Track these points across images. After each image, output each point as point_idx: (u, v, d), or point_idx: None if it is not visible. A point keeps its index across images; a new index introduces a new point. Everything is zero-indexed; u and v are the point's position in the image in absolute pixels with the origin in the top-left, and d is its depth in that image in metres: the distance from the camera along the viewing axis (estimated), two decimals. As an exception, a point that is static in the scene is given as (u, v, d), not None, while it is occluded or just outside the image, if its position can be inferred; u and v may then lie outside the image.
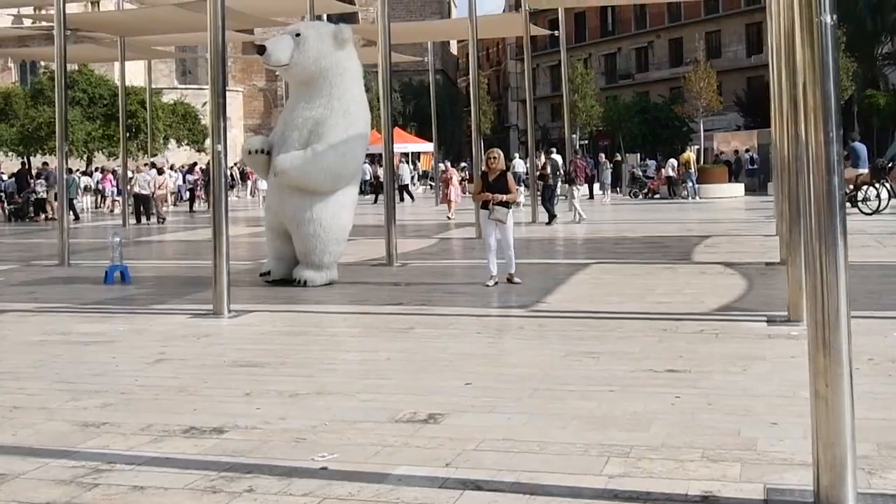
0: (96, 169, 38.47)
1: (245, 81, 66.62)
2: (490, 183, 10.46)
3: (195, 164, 36.67)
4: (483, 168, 10.56)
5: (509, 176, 10.25)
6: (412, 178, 46.87)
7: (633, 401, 5.26)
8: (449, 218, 21.57)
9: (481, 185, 10.56)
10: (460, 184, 25.98)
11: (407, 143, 47.37)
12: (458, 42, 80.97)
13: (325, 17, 22.49)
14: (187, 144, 52.54)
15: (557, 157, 23.00)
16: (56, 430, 4.97)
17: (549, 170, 21.71)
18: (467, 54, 78.92)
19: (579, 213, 20.41)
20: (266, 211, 11.88)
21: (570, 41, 60.81)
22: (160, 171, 27.54)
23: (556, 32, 25.45)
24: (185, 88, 62.21)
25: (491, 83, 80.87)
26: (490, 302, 9.26)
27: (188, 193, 33.54)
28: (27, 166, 45.29)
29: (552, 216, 20.06)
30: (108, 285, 11.61)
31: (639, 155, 37.61)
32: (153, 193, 25.40)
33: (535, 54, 68.75)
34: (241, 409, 5.32)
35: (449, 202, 22.57)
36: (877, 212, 19.35)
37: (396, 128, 50.05)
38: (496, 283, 10.17)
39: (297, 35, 11.03)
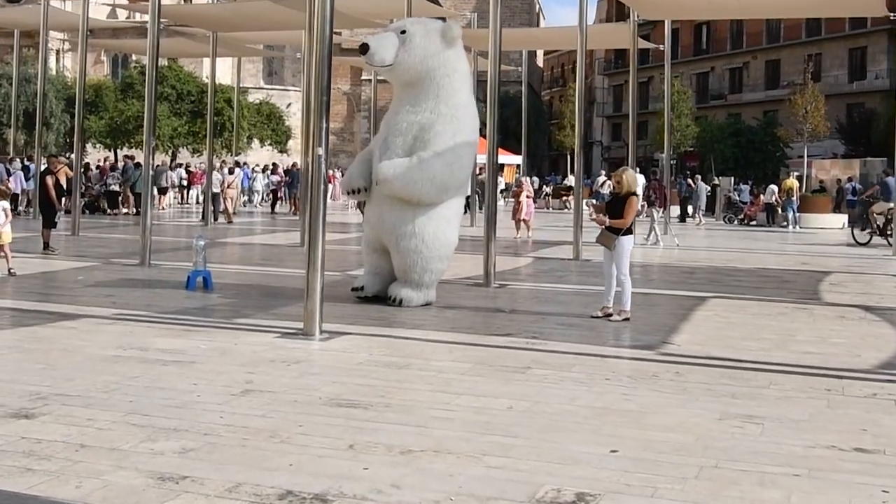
0: (178, 165, 38.50)
1: (301, 86, 66.71)
2: (610, 205, 9.49)
3: (276, 164, 36.27)
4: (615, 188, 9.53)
5: (631, 200, 9.20)
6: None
7: (829, 492, 4.21)
8: (517, 238, 19.93)
9: (604, 206, 9.60)
10: (536, 200, 24.04)
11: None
12: (545, 54, 79.94)
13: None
14: (270, 145, 52.69)
15: (640, 176, 22.00)
16: (127, 483, 4.14)
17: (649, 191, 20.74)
18: (552, 67, 77.56)
19: (657, 237, 19.88)
20: (364, 223, 11.03)
21: (661, 57, 59.48)
22: (231, 170, 27.16)
23: (661, 46, 24.20)
24: (271, 89, 62.62)
25: (564, 98, 79.60)
26: (609, 339, 8.23)
27: (270, 195, 33.14)
28: (114, 158, 45.85)
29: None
30: (190, 292, 10.95)
31: (732, 178, 35.86)
32: (222, 192, 25.20)
33: (622, 70, 67.35)
34: (346, 467, 4.42)
35: (518, 221, 20.41)
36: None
37: (480, 138, 49.28)
38: (606, 317, 9.17)
39: (403, 32, 10.18)
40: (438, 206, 10.23)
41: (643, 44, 23.68)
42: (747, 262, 16.10)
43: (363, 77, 65.93)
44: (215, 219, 24.49)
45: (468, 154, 10.42)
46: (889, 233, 19.95)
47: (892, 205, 21.18)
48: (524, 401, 5.78)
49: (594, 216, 9.55)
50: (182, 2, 32.95)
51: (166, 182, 29.16)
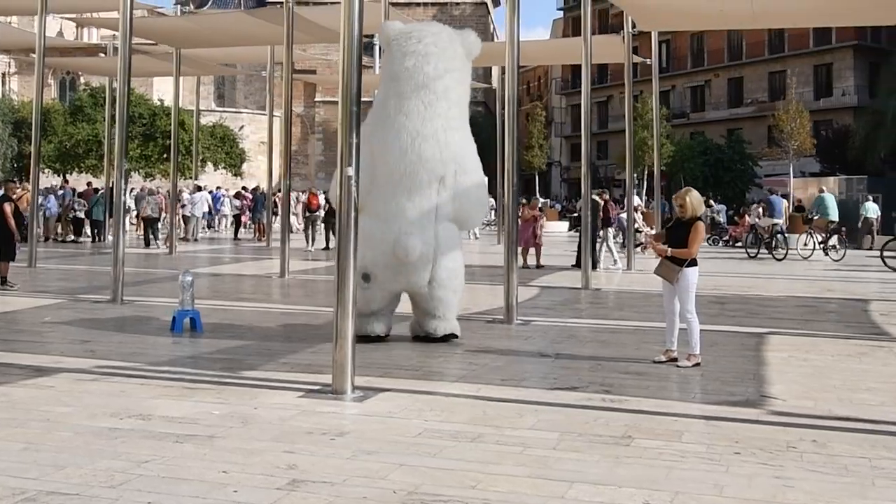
0: (131, 190, 36.76)
1: (282, 106, 65.05)
2: (671, 231, 8.33)
3: (257, 188, 34.62)
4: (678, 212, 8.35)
5: (697, 226, 8.06)
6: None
7: None
8: (527, 266, 18.60)
9: (664, 234, 8.44)
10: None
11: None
12: (502, 72, 79.08)
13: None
14: (224, 168, 50.95)
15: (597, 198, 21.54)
16: None
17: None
18: (527, 82, 76.56)
19: (614, 259, 19.37)
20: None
21: (621, 78, 59.12)
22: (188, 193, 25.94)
23: (647, 61, 23.38)
24: (223, 111, 60.79)
25: (530, 118, 79.04)
26: (695, 392, 7.05)
27: (233, 219, 31.53)
28: (65, 183, 43.78)
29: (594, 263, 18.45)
30: (177, 335, 9.54)
31: (706, 198, 35.16)
32: (160, 217, 24.33)
33: (579, 90, 67.02)
34: None
35: (527, 249, 18.89)
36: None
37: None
38: (671, 361, 8.01)
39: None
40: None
41: (636, 58, 22.70)
42: (770, 290, 15.13)
43: (317, 99, 64.63)
44: (146, 245, 23.49)
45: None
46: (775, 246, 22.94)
47: (776, 220, 24.22)
48: (659, 491, 4.54)
49: (652, 245, 8.38)
50: (146, 14, 31.34)
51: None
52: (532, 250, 19.09)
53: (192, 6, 42.22)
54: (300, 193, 34.21)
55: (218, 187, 36.79)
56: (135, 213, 28.26)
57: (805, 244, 23.63)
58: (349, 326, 6.91)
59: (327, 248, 23.42)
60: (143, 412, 6.11)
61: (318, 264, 19.70)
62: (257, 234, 29.03)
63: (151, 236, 24.72)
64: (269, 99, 26.94)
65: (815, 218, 24.99)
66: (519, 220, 14.09)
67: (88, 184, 31.13)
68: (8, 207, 13.51)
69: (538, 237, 19.12)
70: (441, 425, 5.89)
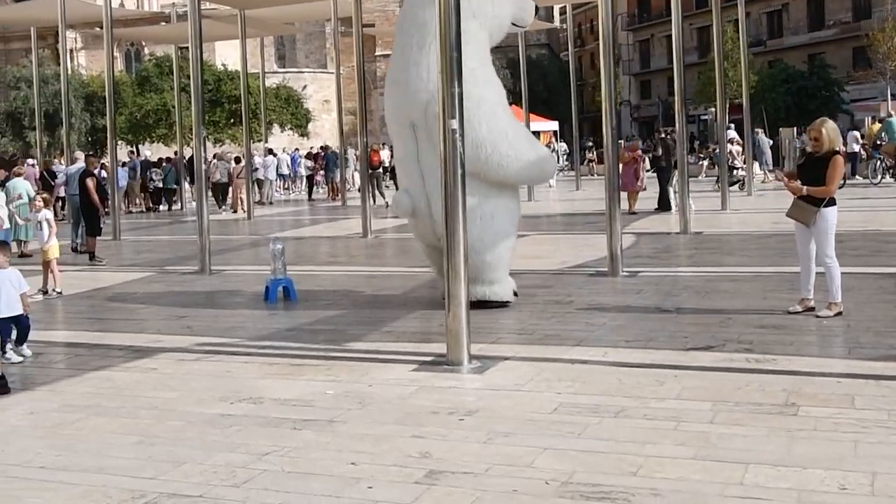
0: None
1: (344, 63, 64.25)
2: (804, 167, 7.59)
3: (326, 147, 34.40)
4: (808, 147, 7.62)
5: (835, 161, 7.30)
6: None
7: None
8: (634, 212, 17.59)
9: (797, 170, 7.70)
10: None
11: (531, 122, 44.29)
12: (561, 13, 77.01)
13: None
14: (290, 129, 50.85)
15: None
16: None
17: (660, 151, 18.59)
18: (579, 25, 75.02)
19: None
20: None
21: (690, 7, 56.78)
22: (237, 160, 25.65)
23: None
24: (286, 72, 60.58)
25: (596, 57, 76.85)
26: (849, 347, 6.39)
27: (305, 180, 31.30)
28: (136, 154, 44.25)
29: (667, 204, 17.78)
30: (271, 305, 9.20)
31: (795, 129, 33.42)
32: (230, 182, 24.11)
33: (646, 24, 64.68)
34: None
35: (632, 193, 17.85)
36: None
37: (513, 106, 47.17)
38: (808, 311, 7.34)
39: None
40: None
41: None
42: (887, 224, 14.13)
43: (377, 53, 63.86)
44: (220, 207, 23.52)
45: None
46: None
47: None
48: (853, 472, 3.94)
49: (785, 182, 7.64)
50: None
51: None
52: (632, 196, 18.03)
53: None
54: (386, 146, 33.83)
55: (296, 149, 36.71)
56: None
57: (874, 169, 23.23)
58: (462, 291, 6.40)
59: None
60: (254, 395, 5.73)
61: (398, 222, 19.22)
62: (331, 194, 28.74)
63: (222, 200, 24.89)
64: (336, 55, 26.43)
65: (884, 143, 24.02)
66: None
67: (176, 153, 31.14)
68: (91, 182, 13.35)
69: (641, 180, 18.16)
70: (576, 398, 5.37)
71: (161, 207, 26.84)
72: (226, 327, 8.13)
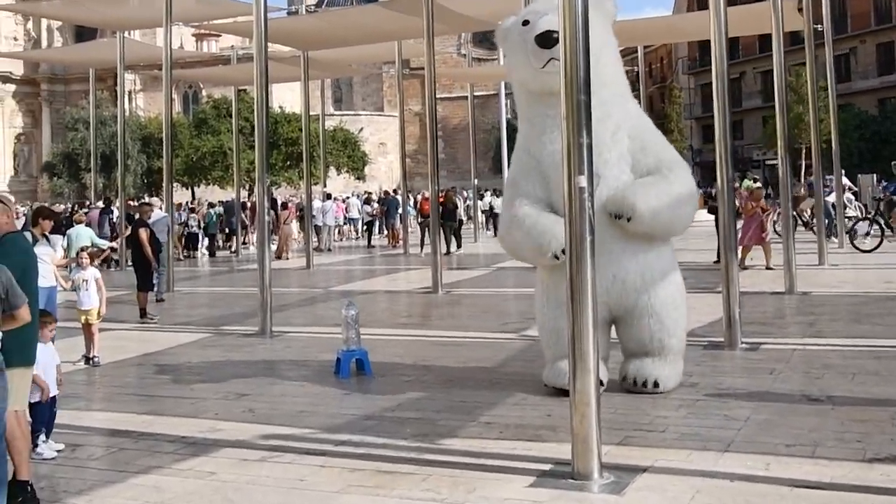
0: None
1: (426, 102, 64.07)
2: None
3: (387, 192, 33.60)
4: None
5: None
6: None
7: None
8: (745, 267, 15.14)
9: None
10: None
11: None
12: (625, 55, 75.63)
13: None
14: (347, 172, 50.33)
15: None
16: None
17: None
18: (642, 66, 74.13)
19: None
20: (537, 282, 7.73)
21: (755, 50, 55.34)
22: (284, 206, 24.88)
23: (819, 27, 20.70)
24: (342, 115, 60.36)
25: (654, 101, 75.55)
26: None
27: (365, 227, 30.34)
28: (191, 197, 44.00)
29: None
30: (344, 381, 8.03)
31: (874, 176, 31.69)
32: (276, 227, 23.63)
33: (707, 68, 62.98)
34: None
35: (748, 247, 15.86)
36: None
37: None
38: None
39: None
40: (667, 246, 7.40)
41: (793, 24, 19.73)
42: None
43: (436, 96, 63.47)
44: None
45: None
46: None
47: None
48: None
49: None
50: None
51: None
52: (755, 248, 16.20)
53: (307, 8, 41.54)
54: (418, 194, 32.86)
55: (367, 193, 35.95)
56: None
57: None
58: (591, 389, 5.15)
59: (448, 252, 22.41)
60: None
61: (468, 274, 18.09)
62: (391, 241, 27.75)
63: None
64: (400, 97, 25.67)
65: None
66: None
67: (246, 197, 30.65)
68: (144, 234, 12.43)
69: (766, 233, 16.30)
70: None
71: (197, 254, 26.13)
72: (294, 412, 6.95)
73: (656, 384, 6.98)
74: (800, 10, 17.59)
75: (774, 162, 43.94)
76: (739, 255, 15.61)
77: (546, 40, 6.86)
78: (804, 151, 38.11)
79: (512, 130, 46.18)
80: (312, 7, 36.23)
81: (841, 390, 6.96)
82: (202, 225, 26.43)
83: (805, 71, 34.37)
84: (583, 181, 5.24)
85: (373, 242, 28.72)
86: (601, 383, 7.23)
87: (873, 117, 41.79)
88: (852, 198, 22.45)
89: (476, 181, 31.36)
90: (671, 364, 7.11)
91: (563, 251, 7.02)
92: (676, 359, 7.20)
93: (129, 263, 15.49)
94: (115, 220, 21.75)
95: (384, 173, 59.62)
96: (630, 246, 6.97)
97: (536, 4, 7.48)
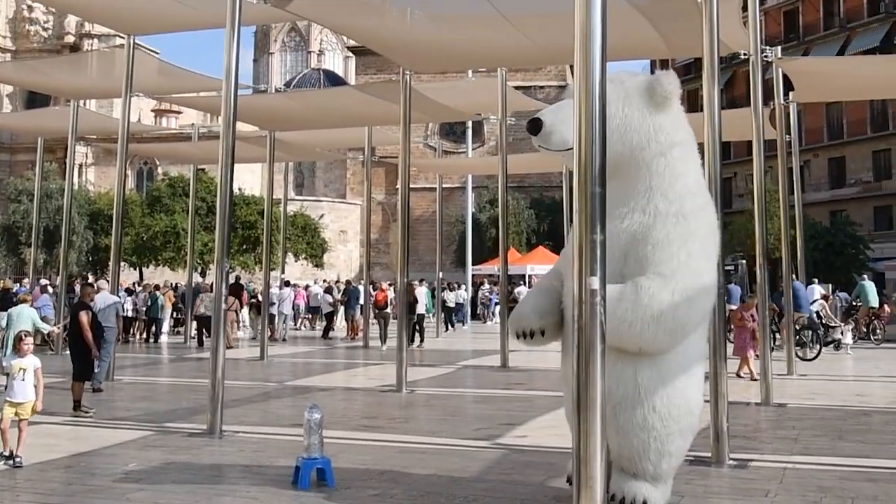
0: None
1: (364, 194, 63.83)
2: None
3: (349, 281, 32.78)
4: None
5: None
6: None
7: None
8: (754, 378, 14.72)
9: None
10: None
11: (553, 265, 42.77)
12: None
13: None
14: (305, 258, 49.56)
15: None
16: None
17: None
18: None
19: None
20: (562, 381, 7.16)
21: (743, 154, 56.39)
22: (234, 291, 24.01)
23: (787, 137, 20.83)
24: (304, 199, 59.93)
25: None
26: None
27: (325, 317, 29.31)
28: (139, 277, 42.70)
29: None
30: (302, 492, 7.17)
31: (829, 285, 31.81)
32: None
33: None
34: None
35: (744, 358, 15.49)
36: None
37: (541, 247, 45.76)
38: None
39: None
40: (673, 354, 6.54)
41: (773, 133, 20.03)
42: None
43: (398, 186, 63.49)
44: (199, 345, 21.83)
45: (708, 271, 6.47)
46: None
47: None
48: None
49: None
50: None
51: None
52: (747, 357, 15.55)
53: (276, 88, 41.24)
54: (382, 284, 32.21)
55: (326, 281, 35.11)
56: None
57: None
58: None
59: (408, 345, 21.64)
60: None
61: (433, 372, 17.28)
62: (351, 333, 26.87)
63: (205, 336, 22.98)
64: (367, 184, 25.14)
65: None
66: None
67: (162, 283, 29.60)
68: (85, 317, 11.49)
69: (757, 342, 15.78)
70: None
71: (130, 338, 24.98)
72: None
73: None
74: (771, 119, 17.62)
75: (729, 267, 44.22)
76: (742, 367, 15.32)
77: (532, 127, 6.63)
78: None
79: (476, 223, 46.09)
80: (282, 88, 35.97)
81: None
82: (139, 308, 25.25)
83: (766, 181, 35.03)
84: (595, 283, 4.64)
85: (330, 334, 27.78)
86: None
87: (826, 228, 42.70)
88: (824, 303, 22.37)
89: (441, 274, 30.85)
90: (652, 483, 6.32)
91: (528, 333, 6.53)
92: (657, 479, 6.43)
93: (66, 349, 14.42)
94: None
95: (343, 262, 58.92)
96: (609, 355, 6.33)
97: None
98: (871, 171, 47.24)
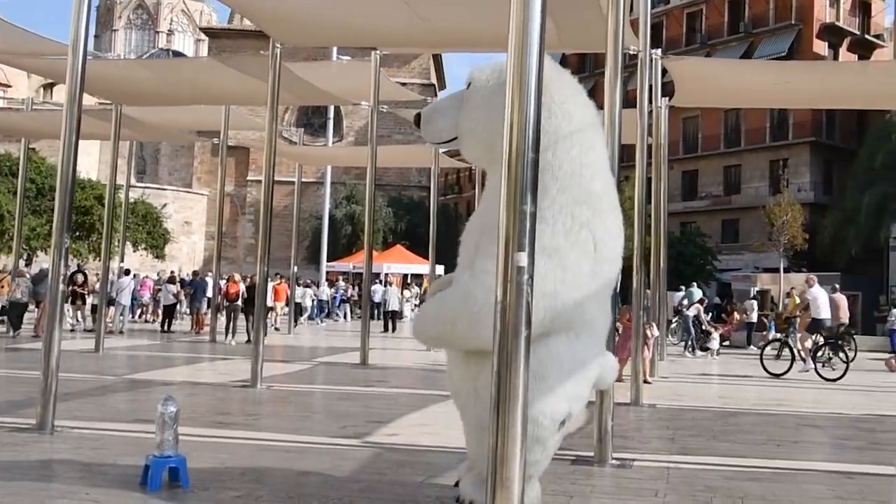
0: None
1: (212, 184, 61.47)
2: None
3: (196, 273, 31.07)
4: None
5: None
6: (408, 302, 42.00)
7: None
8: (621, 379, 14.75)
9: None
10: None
11: (410, 264, 42.47)
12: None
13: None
14: (144, 249, 47.08)
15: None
16: None
17: None
18: (447, 173, 75.48)
19: None
20: (452, 378, 6.54)
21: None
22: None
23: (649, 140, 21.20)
24: (146, 187, 57.03)
25: (472, 207, 76.86)
26: None
27: (164, 309, 27.53)
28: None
29: None
30: (153, 495, 6.27)
31: (681, 292, 32.71)
32: (39, 303, 21.38)
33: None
34: None
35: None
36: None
37: (398, 245, 45.26)
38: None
39: (469, 85, 6.06)
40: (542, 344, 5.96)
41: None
42: (836, 405, 12.64)
43: (249, 178, 61.49)
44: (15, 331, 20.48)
45: (558, 268, 5.30)
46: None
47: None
48: None
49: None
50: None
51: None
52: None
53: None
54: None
55: (172, 272, 32.96)
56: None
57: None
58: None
59: (248, 340, 20.90)
60: None
61: (287, 368, 16.35)
62: (196, 327, 25.42)
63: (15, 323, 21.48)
64: (221, 170, 23.64)
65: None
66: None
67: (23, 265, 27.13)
68: None
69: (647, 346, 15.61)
70: None
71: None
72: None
73: None
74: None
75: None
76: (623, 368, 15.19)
77: (416, 120, 6.29)
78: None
79: (332, 219, 44.98)
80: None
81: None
82: None
83: (626, 188, 35.99)
84: (522, 259, 4.08)
85: (172, 327, 26.18)
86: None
87: (678, 238, 44.36)
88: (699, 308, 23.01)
89: (296, 269, 29.77)
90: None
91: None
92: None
93: None
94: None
95: (186, 254, 56.44)
96: (456, 352, 5.85)
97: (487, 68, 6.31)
98: (722, 185, 49.30)
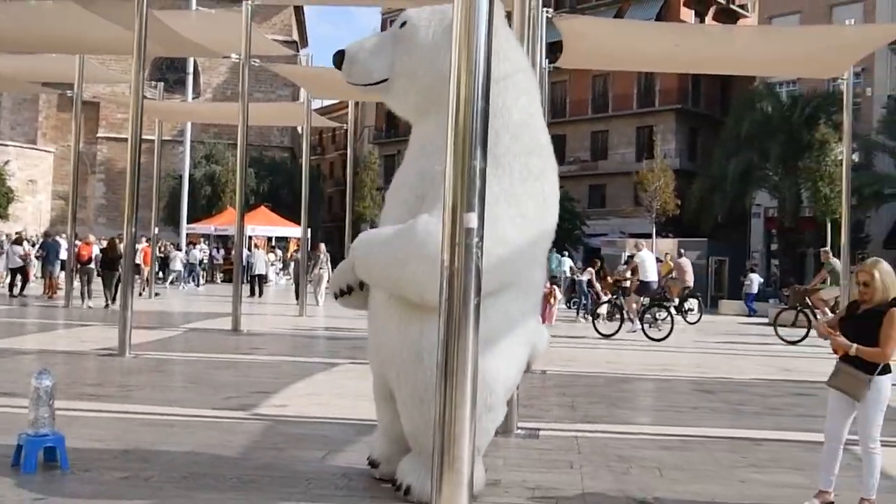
0: None
1: (58, 141, 57.70)
2: (849, 320, 5.71)
3: (47, 233, 28.89)
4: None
5: (892, 314, 5.47)
6: (281, 267, 41.00)
7: None
8: None
9: (838, 320, 5.80)
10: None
11: (275, 227, 41.31)
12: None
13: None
14: (-17, 209, 43.96)
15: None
16: None
17: None
18: (320, 133, 73.61)
19: None
20: (372, 346, 6.09)
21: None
22: None
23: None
24: (-17, 141, 53.05)
25: (335, 166, 75.55)
26: None
27: (9, 273, 25.61)
28: None
29: None
30: (27, 477, 5.66)
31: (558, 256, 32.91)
32: None
33: (394, 139, 63.68)
34: None
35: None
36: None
37: (263, 207, 43.80)
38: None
39: (403, 25, 5.79)
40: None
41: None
42: (721, 370, 13.05)
43: (99, 134, 58.20)
44: None
45: (518, 216, 5.04)
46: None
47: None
48: None
49: (831, 336, 5.66)
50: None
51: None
52: None
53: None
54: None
55: (19, 233, 30.54)
56: None
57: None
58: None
59: (107, 305, 20.78)
60: None
61: (155, 335, 15.41)
62: (49, 291, 23.80)
63: None
64: (76, 126, 22.02)
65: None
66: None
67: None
68: None
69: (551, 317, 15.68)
70: None
71: None
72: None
73: (407, 490, 5.12)
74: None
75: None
76: None
77: (336, 60, 5.90)
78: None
79: (191, 179, 42.81)
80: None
81: (663, 490, 6.02)
82: None
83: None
84: (472, 220, 3.75)
85: (20, 291, 24.41)
86: (375, 464, 5.84)
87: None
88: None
89: (157, 230, 28.33)
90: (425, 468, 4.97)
91: (344, 290, 5.62)
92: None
93: None
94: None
95: (31, 214, 52.96)
96: (386, 307, 5.40)
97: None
98: (589, 150, 50.10)
